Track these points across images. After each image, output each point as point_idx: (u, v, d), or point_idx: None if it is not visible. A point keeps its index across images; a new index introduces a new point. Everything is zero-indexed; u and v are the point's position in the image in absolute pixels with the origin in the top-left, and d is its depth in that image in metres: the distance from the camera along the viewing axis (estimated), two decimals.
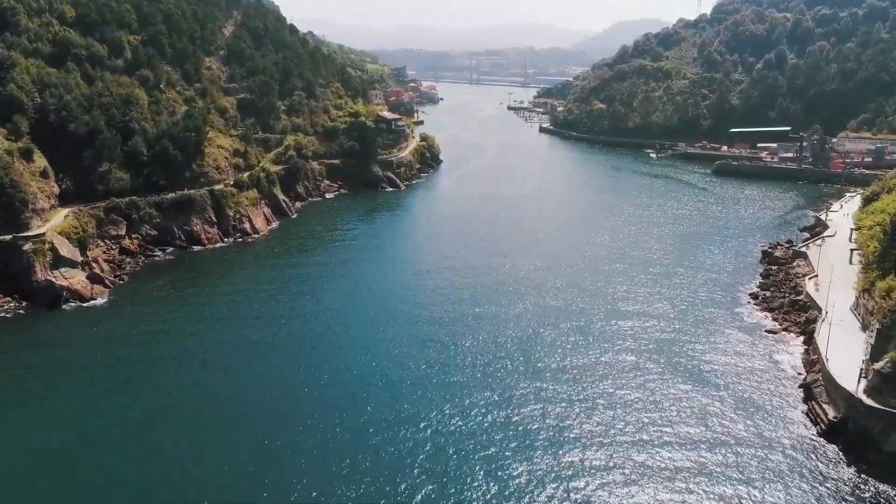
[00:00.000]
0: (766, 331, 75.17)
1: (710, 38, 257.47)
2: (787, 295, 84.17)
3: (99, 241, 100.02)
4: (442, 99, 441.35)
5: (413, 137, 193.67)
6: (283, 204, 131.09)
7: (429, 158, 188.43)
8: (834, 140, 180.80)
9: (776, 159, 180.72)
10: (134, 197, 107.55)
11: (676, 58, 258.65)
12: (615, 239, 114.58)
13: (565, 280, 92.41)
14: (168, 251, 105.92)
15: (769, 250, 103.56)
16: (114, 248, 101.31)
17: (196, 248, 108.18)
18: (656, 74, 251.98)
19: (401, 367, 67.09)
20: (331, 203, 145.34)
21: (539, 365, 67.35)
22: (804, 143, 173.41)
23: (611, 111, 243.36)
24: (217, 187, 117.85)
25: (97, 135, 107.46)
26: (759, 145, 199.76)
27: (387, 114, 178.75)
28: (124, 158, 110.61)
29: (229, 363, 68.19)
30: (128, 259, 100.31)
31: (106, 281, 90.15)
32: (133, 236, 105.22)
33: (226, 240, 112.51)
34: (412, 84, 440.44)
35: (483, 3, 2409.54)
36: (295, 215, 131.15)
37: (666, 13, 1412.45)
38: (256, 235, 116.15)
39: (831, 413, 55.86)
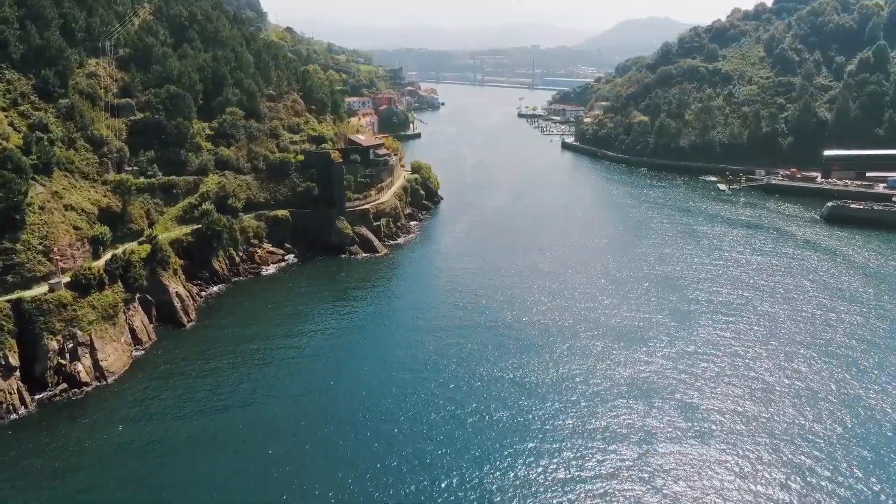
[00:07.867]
0: None
1: (780, 31, 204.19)
2: None
3: None
4: (443, 103, 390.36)
5: (403, 166, 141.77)
6: (176, 302, 78.84)
7: (423, 197, 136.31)
8: None
9: None
10: None
11: (737, 57, 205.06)
12: (748, 379, 62.85)
13: None
14: None
15: None
16: None
17: None
18: (713, 78, 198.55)
19: None
20: (265, 287, 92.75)
21: None
22: None
23: (657, 125, 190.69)
24: (35, 293, 66.01)
25: None
26: (869, 175, 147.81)
27: (362, 137, 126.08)
28: None
29: None
30: None
31: None
32: None
33: (36, 397, 60.67)
34: (409, 87, 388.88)
35: (484, 1, 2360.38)
36: (193, 322, 78.63)
37: (675, 11, 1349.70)
38: (100, 383, 64.00)
39: None
